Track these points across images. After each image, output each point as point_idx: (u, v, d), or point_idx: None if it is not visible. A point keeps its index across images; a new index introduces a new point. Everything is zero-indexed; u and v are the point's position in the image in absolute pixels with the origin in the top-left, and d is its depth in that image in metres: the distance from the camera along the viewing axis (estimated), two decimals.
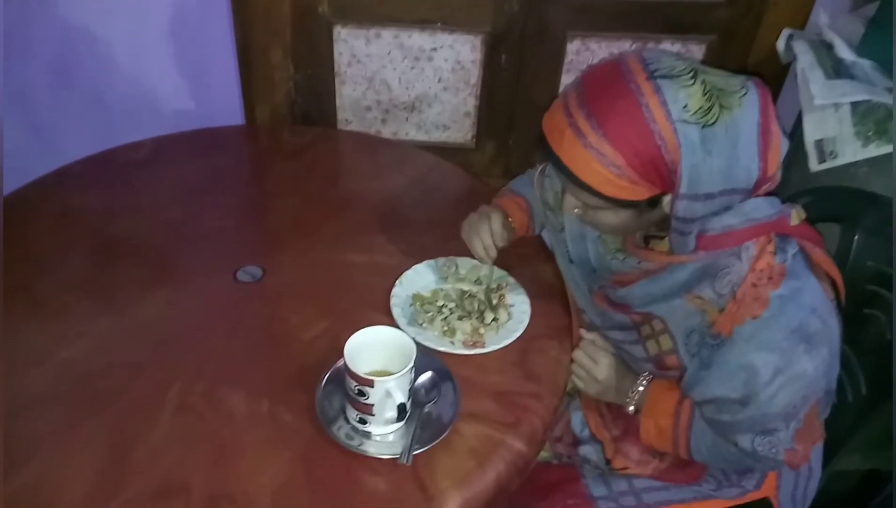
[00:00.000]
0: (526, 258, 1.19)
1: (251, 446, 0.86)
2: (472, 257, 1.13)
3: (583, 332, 1.05)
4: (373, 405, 0.84)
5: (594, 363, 1.01)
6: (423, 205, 1.32)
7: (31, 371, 0.93)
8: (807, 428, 0.92)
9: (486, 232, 1.09)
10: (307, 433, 0.87)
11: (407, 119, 1.66)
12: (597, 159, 0.80)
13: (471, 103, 1.63)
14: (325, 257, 1.17)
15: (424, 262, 1.13)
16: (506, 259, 1.16)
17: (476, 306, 1.06)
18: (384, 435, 0.87)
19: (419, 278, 1.11)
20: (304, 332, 1.02)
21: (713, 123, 0.76)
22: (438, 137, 1.68)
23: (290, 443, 0.87)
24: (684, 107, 0.77)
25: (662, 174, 0.79)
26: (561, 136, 0.82)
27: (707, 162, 0.77)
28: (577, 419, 1.15)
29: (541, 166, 1.21)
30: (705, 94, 0.77)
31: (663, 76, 0.78)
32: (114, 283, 1.08)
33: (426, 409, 0.90)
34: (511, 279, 1.12)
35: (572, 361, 1.03)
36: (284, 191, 1.34)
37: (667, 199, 0.83)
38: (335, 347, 0.97)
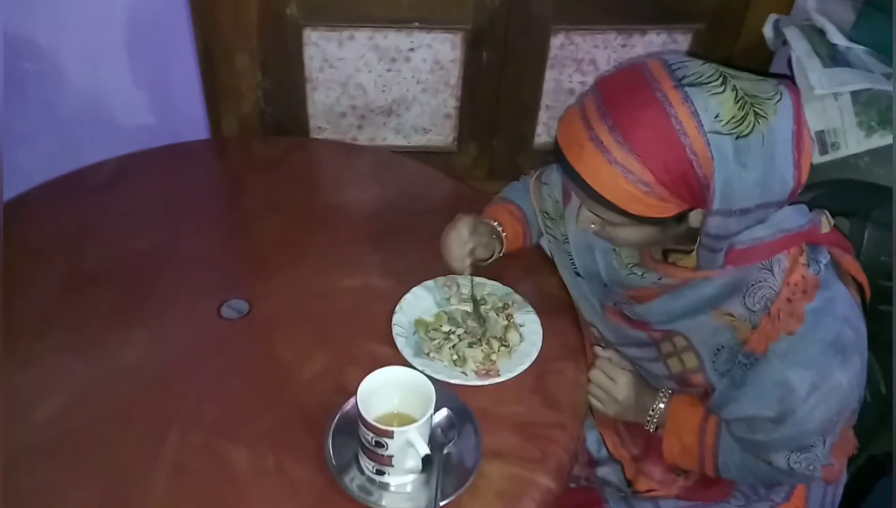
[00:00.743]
0: (527, 271, 1.14)
1: (260, 505, 0.79)
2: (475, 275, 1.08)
3: (598, 350, 1.01)
4: (392, 455, 0.78)
5: (613, 383, 0.97)
6: (412, 216, 1.26)
7: (5, 429, 0.84)
8: (841, 441, 0.90)
9: (455, 243, 1.03)
10: (319, 487, 0.81)
11: (384, 124, 1.58)
12: (622, 176, 0.75)
13: (451, 104, 1.57)
14: (314, 283, 1.10)
15: (423, 283, 1.07)
16: (507, 273, 1.11)
17: (484, 329, 1.00)
18: (402, 485, 0.81)
19: (420, 302, 1.05)
20: (302, 370, 0.95)
21: (748, 134, 0.72)
22: (418, 141, 1.62)
23: (302, 499, 0.80)
24: (716, 117, 0.72)
25: (693, 190, 0.75)
26: (581, 149, 0.77)
27: (742, 176, 0.73)
28: (592, 438, 1.11)
29: (536, 173, 1.16)
30: (737, 101, 0.72)
31: (692, 84, 0.73)
32: (86, 325, 0.99)
33: (445, 450, 0.84)
34: (517, 296, 1.07)
35: (588, 381, 0.98)
36: (261, 209, 1.26)
37: (694, 213, 0.79)
38: (339, 385, 0.91)
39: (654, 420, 0.96)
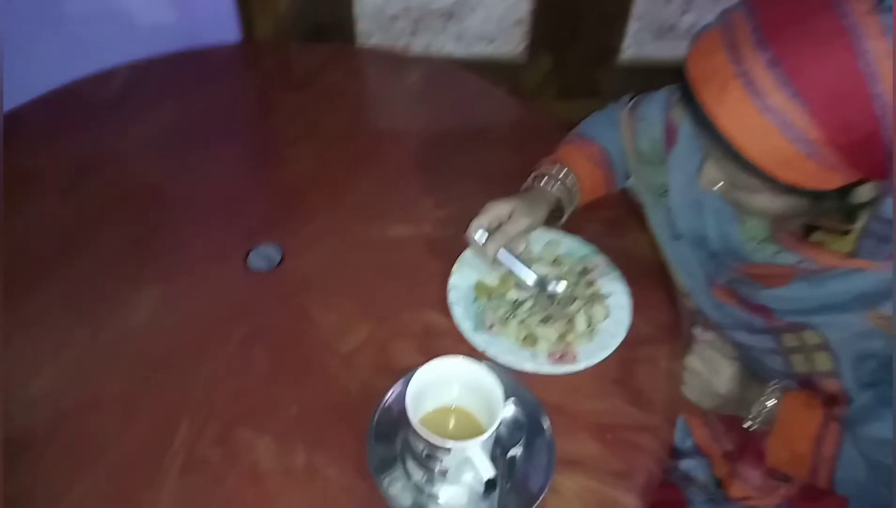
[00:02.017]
0: (611, 224, 0.97)
1: None
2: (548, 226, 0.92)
3: (697, 331, 0.85)
4: (447, 470, 0.65)
5: (714, 373, 0.81)
6: (472, 148, 1.09)
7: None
8: None
9: (476, 251, 0.87)
10: (359, 493, 0.69)
11: (443, 29, 1.38)
12: (778, 130, 0.57)
13: (523, 8, 1.35)
14: (356, 230, 0.95)
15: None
16: (584, 226, 0.94)
17: (560, 301, 0.85)
18: (456, 496, 0.68)
19: (481, 261, 0.89)
20: (340, 341, 0.82)
21: None
22: (481, 50, 1.41)
23: (337, 506, 0.68)
24: None
25: (875, 158, 0.57)
26: (722, 89, 0.59)
27: None
28: (676, 425, 0.96)
29: (628, 103, 0.97)
30: None
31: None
32: (86, 279, 0.87)
33: (510, 454, 0.71)
34: (601, 258, 0.90)
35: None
36: (297, 134, 1.10)
37: (866, 188, 0.60)
38: (383, 362, 0.79)
39: (759, 419, 0.81)
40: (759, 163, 0.60)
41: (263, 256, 0.91)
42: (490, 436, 0.63)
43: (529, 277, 0.85)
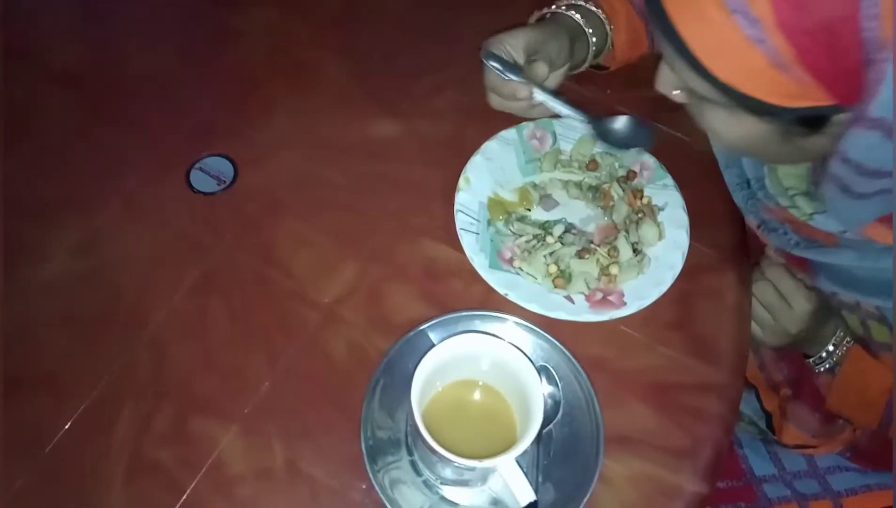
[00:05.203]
0: (659, 107, 0.76)
1: None
2: (577, 118, 0.71)
3: (772, 253, 0.69)
4: (468, 480, 0.51)
5: (787, 307, 0.68)
6: (482, 3, 0.86)
7: None
8: None
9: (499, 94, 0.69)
10: (356, 499, 0.55)
11: None
12: (738, 26, 0.44)
13: None
14: (328, 130, 0.76)
15: (499, 134, 0.72)
16: (623, 111, 0.74)
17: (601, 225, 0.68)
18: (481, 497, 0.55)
19: (495, 166, 0.71)
20: (319, 288, 0.65)
21: None
22: None
23: None
24: None
25: (842, 65, 0.43)
26: None
27: None
28: None
29: None
30: None
31: None
32: None
33: (545, 429, 0.57)
34: (649, 159, 0.72)
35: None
36: None
37: (840, 118, 0.46)
38: (376, 317, 0.65)
39: (830, 360, 0.68)
40: (708, 65, 0.46)
41: (211, 172, 0.71)
42: (529, 447, 0.48)
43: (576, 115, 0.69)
